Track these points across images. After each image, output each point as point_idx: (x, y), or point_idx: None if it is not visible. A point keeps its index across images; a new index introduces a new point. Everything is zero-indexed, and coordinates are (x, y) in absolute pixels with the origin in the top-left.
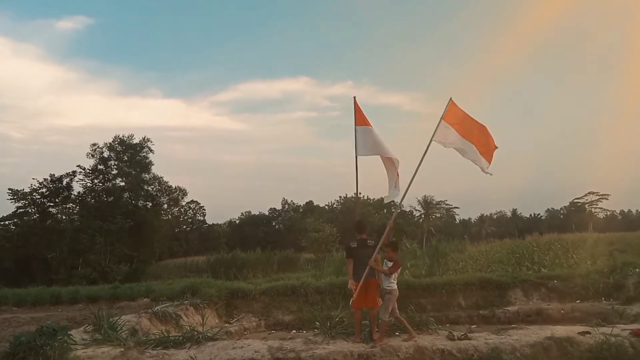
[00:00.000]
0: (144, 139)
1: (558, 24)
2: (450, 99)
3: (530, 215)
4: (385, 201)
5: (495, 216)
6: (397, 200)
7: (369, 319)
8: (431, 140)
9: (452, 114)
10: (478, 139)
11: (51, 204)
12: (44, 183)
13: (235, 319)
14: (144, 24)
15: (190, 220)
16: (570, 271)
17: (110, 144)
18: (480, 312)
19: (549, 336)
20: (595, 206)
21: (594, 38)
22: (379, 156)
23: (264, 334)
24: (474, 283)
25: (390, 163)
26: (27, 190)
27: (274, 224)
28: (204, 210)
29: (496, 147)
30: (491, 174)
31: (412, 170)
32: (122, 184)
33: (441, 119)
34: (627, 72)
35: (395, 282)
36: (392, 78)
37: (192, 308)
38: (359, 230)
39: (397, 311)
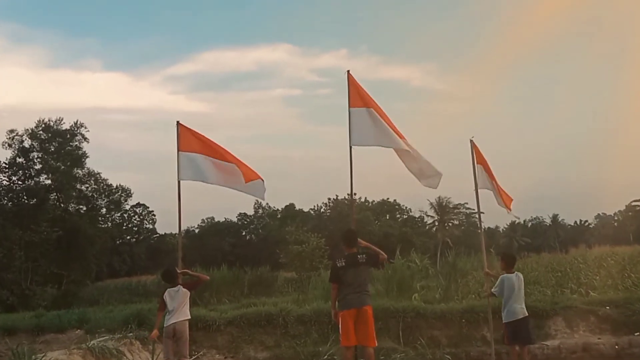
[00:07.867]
0: (76, 123)
1: None
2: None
3: (575, 222)
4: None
5: (530, 224)
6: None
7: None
8: None
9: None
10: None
11: None
12: None
13: (194, 356)
14: None
15: (135, 229)
16: (627, 295)
17: (32, 130)
18: None
19: None
20: None
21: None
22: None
23: None
24: None
25: (406, 155)
26: None
27: (244, 233)
28: (154, 216)
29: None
30: None
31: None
32: (48, 182)
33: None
34: None
35: None
36: (397, 46)
37: (138, 342)
38: (347, 243)
39: None
